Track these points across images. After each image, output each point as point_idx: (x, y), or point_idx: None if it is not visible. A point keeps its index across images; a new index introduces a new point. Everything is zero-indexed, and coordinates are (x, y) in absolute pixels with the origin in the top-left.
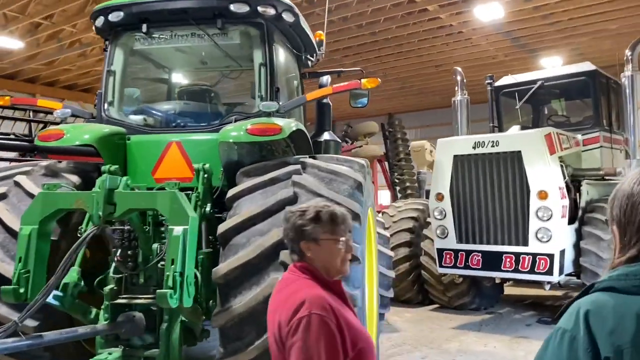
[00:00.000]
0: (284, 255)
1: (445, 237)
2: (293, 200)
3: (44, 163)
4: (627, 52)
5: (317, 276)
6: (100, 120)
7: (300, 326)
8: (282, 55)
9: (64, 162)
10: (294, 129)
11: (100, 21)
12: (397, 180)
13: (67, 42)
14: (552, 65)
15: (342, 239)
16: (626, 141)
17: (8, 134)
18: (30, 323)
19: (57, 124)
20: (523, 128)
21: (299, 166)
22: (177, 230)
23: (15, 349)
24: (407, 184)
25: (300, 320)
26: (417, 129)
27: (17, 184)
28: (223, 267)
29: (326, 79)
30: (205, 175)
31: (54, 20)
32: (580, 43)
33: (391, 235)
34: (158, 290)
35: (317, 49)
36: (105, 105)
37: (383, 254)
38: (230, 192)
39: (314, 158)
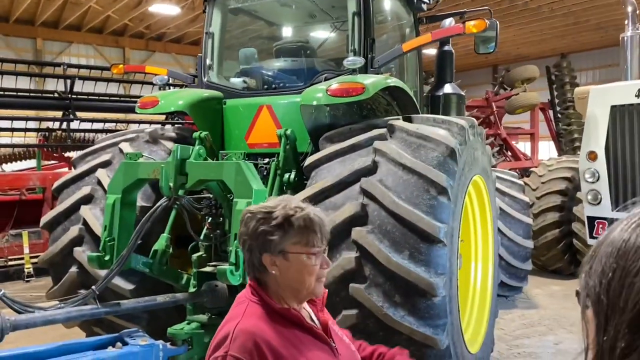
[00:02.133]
0: (356, 233)
1: (599, 203)
2: (372, 170)
3: (150, 129)
4: None
5: (267, 302)
6: (201, 85)
7: None
8: (383, 2)
9: (168, 127)
10: (384, 85)
11: None
12: (563, 132)
13: None
14: None
15: (318, 250)
16: None
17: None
18: (127, 286)
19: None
20: None
21: (385, 130)
22: (241, 203)
23: (92, 316)
24: (575, 136)
25: None
26: (596, 70)
27: (121, 151)
28: None
29: (449, 21)
30: (288, 141)
31: None
32: None
33: (538, 198)
34: (219, 267)
35: None
36: (205, 69)
37: (518, 221)
38: (308, 160)
39: (409, 119)
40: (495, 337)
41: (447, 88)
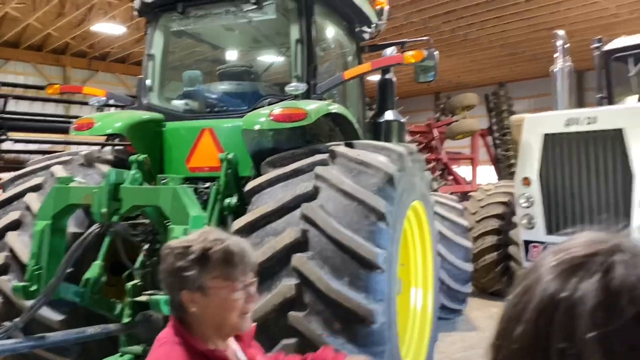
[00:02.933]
0: (297, 259)
1: (532, 227)
2: (313, 195)
3: (85, 152)
4: None
5: (189, 343)
6: (141, 107)
7: None
8: (325, 29)
9: (106, 150)
10: (327, 112)
11: (137, 2)
12: (501, 157)
13: None
14: None
15: (240, 284)
16: None
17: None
18: (56, 317)
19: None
20: None
21: (326, 155)
22: (177, 230)
23: (15, 350)
24: (512, 161)
25: None
26: (532, 99)
27: (53, 174)
28: None
29: (390, 51)
30: (230, 165)
31: None
32: None
33: (477, 222)
34: (152, 297)
35: (375, 19)
36: (145, 91)
37: (458, 244)
38: (249, 185)
39: (351, 145)
40: None
41: (389, 115)
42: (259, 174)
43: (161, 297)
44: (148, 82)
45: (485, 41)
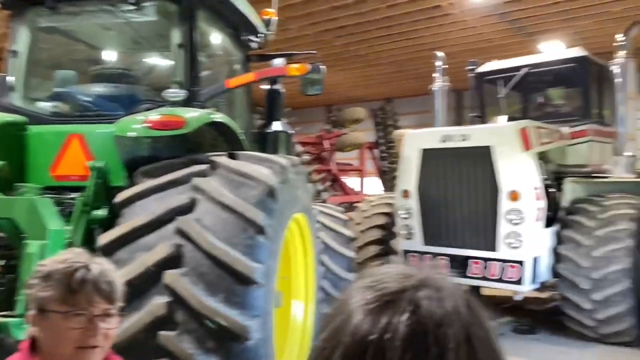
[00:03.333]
0: (169, 276)
1: (411, 237)
2: (189, 208)
3: None
4: (620, 37)
5: None
6: (0, 109)
7: None
8: (210, 35)
9: None
10: (208, 120)
11: None
12: (387, 169)
13: None
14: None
15: (83, 312)
16: (616, 135)
17: None
18: None
19: None
20: (510, 119)
21: (206, 166)
22: (33, 245)
23: None
24: (397, 174)
25: None
26: (417, 115)
27: None
28: None
29: (278, 62)
30: (99, 174)
31: None
32: (582, 27)
33: (362, 232)
34: (2, 319)
35: (263, 29)
36: (6, 91)
37: (342, 255)
38: (119, 197)
39: (233, 156)
40: None
41: (277, 125)
42: (132, 185)
43: (13, 320)
44: (10, 80)
45: (374, 58)
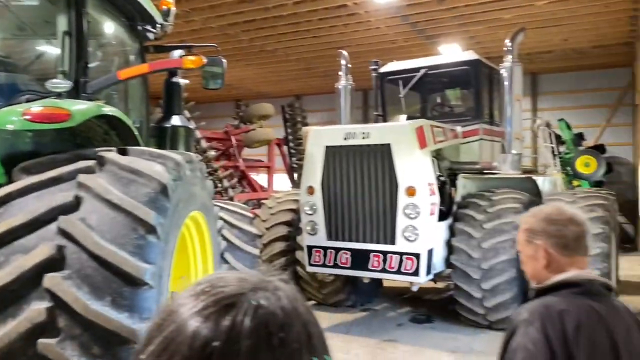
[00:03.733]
0: (49, 279)
1: (316, 233)
2: (73, 206)
3: None
4: (507, 43)
5: None
6: None
7: None
8: (101, 23)
9: None
10: (96, 114)
11: None
12: (295, 166)
13: None
14: (447, 53)
15: None
16: (504, 134)
17: None
18: None
19: None
20: (409, 118)
21: (93, 163)
22: None
23: None
24: None
25: None
26: (324, 112)
27: None
28: None
29: (177, 54)
30: None
31: None
32: (477, 31)
33: (268, 229)
34: None
35: (160, 19)
36: None
37: (246, 252)
38: None
39: (124, 151)
40: None
41: (175, 120)
42: (11, 182)
43: None
44: None
45: (283, 54)
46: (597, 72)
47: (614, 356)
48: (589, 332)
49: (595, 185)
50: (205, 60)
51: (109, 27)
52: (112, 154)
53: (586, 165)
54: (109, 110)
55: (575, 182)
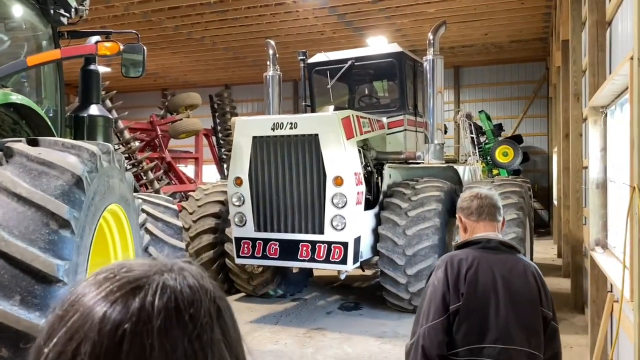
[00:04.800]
0: None
1: (244, 225)
2: None
3: None
4: (429, 36)
5: None
6: None
7: None
8: (8, 6)
9: None
10: (3, 102)
11: None
12: (224, 157)
13: None
14: (373, 45)
15: None
16: (427, 125)
17: None
18: None
19: None
20: (337, 109)
21: (0, 154)
22: None
23: None
24: None
25: None
26: (254, 102)
27: None
28: None
29: (94, 40)
30: None
31: None
32: (403, 24)
33: (195, 222)
34: None
35: (74, 3)
36: None
37: (171, 246)
38: None
39: (35, 142)
40: None
41: (93, 109)
42: None
43: None
44: None
45: (210, 42)
46: (515, 66)
47: (494, 292)
48: (475, 273)
49: (513, 173)
50: (122, 46)
51: (17, 10)
52: (20, 145)
53: (504, 154)
54: (17, 98)
55: (494, 171)
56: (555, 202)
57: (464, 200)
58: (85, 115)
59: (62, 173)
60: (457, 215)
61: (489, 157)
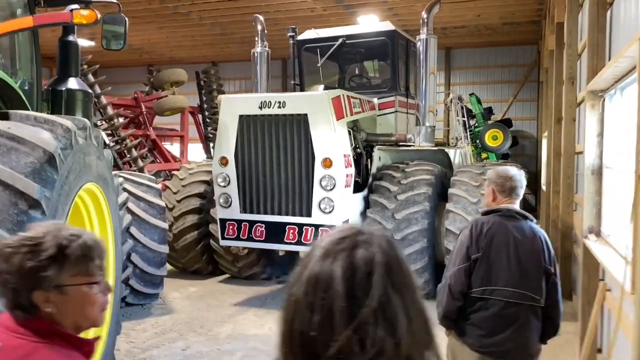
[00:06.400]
0: None
1: (229, 206)
2: None
3: None
4: (423, 14)
5: (67, 338)
6: None
7: None
8: None
9: None
10: None
11: None
12: (211, 135)
13: None
14: (365, 23)
15: (99, 278)
16: (418, 107)
17: None
18: None
19: None
20: (327, 88)
21: None
22: None
23: None
24: None
25: None
26: (242, 80)
27: None
28: None
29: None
30: None
31: None
32: (394, 3)
33: (179, 201)
34: None
35: None
36: None
37: (154, 226)
38: None
39: (5, 116)
40: (123, 353)
41: (72, 83)
42: None
43: None
44: None
45: (196, 17)
46: (507, 49)
47: (506, 247)
48: (493, 233)
49: (502, 157)
50: (99, 15)
51: None
52: None
53: (494, 138)
54: None
55: (483, 155)
56: (543, 187)
57: (500, 177)
58: (63, 88)
59: (33, 149)
60: (488, 186)
61: (478, 141)
